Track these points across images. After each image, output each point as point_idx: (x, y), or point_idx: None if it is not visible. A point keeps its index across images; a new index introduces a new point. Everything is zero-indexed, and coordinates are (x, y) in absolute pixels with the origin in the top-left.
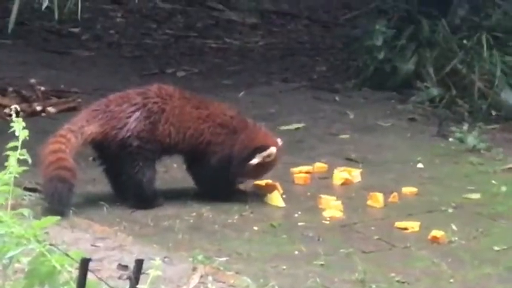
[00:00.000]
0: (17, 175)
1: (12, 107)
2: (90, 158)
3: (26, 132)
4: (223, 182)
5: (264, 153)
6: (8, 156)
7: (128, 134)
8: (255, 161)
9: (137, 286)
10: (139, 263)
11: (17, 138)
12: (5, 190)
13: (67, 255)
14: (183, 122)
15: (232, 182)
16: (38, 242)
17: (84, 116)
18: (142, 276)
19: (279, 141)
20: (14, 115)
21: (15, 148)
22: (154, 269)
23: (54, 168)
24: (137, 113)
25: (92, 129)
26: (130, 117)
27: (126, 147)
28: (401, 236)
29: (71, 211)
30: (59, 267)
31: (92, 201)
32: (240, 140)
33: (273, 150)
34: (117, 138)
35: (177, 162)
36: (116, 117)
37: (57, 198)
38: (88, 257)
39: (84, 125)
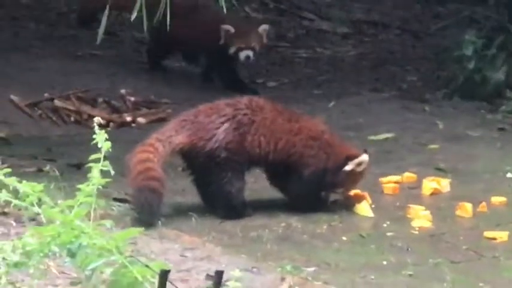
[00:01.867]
0: (100, 186)
1: (95, 119)
2: (180, 168)
3: (108, 144)
4: (315, 194)
5: (357, 160)
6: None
7: (216, 145)
8: (348, 167)
9: None
10: (219, 274)
11: (100, 150)
12: (88, 201)
13: (147, 266)
14: (275, 133)
15: (325, 193)
16: (120, 253)
17: (173, 126)
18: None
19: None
20: (96, 127)
21: (98, 160)
22: (234, 280)
23: (143, 179)
24: (226, 124)
25: (180, 139)
26: (219, 128)
27: (214, 158)
28: (490, 246)
29: (159, 221)
30: (140, 279)
31: (180, 212)
32: (333, 153)
33: (365, 157)
34: (205, 149)
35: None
36: (205, 128)
37: (146, 209)
38: (171, 268)
39: (173, 134)
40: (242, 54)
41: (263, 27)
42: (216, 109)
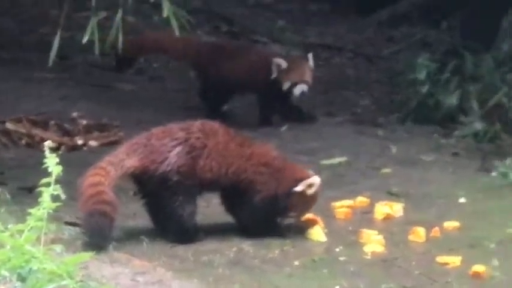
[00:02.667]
0: (51, 210)
1: (46, 142)
2: (131, 192)
3: (59, 168)
4: (265, 219)
5: (307, 181)
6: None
7: (169, 169)
8: (298, 188)
9: None
10: None
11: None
12: (39, 226)
13: None
14: (226, 158)
15: (277, 219)
16: (71, 278)
17: (125, 149)
18: None
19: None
20: (47, 151)
21: (48, 184)
22: None
23: (94, 202)
24: (179, 148)
25: (132, 162)
26: (171, 151)
27: (166, 181)
28: (443, 271)
29: (111, 245)
30: None
31: (132, 236)
32: (284, 179)
33: (315, 179)
34: (157, 172)
35: (218, 197)
36: (157, 151)
37: (97, 233)
38: None
39: (125, 158)
40: (297, 89)
41: (311, 59)
42: (168, 132)
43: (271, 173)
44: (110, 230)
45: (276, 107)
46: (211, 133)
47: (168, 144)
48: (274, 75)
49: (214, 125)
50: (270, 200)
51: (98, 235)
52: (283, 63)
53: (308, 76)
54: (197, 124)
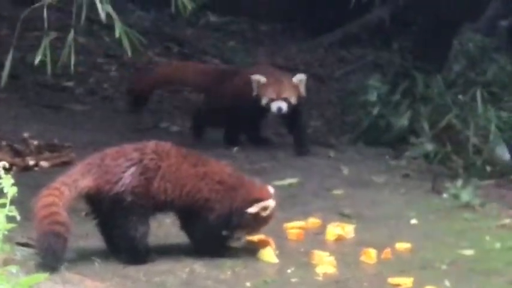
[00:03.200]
0: (5, 231)
1: (0, 163)
2: (83, 213)
3: (14, 189)
4: (219, 239)
5: (262, 204)
6: None
7: (123, 189)
8: (252, 209)
9: None
10: None
11: (5, 194)
12: None
13: None
14: (180, 179)
15: (229, 238)
16: None
17: (79, 169)
18: None
19: (272, 191)
20: (2, 171)
21: (3, 205)
22: None
23: (48, 223)
24: (133, 168)
25: (85, 182)
26: (125, 172)
27: (120, 202)
28: None
29: (63, 266)
30: None
31: (84, 256)
32: (239, 196)
33: (270, 203)
34: (111, 193)
35: (170, 217)
36: (111, 172)
37: (50, 254)
38: None
39: (78, 178)
40: (274, 105)
41: (298, 77)
42: (122, 153)
43: (226, 190)
44: (63, 251)
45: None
46: (165, 154)
47: (122, 164)
48: (254, 92)
49: (167, 145)
50: (225, 218)
51: (51, 256)
52: (262, 79)
53: (288, 93)
54: (151, 145)
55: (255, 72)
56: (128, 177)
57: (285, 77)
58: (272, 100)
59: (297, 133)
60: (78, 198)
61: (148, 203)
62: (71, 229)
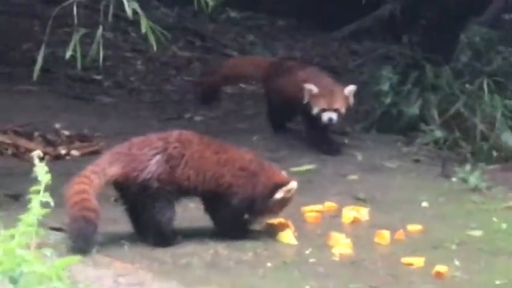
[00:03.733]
0: (40, 217)
1: (35, 153)
2: (112, 199)
3: (48, 177)
4: (241, 222)
5: (286, 188)
6: (31, 199)
7: (149, 176)
8: (278, 195)
9: None
10: None
11: (40, 182)
12: (29, 231)
13: None
14: (203, 166)
15: (251, 221)
16: (60, 279)
17: (107, 158)
18: None
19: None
20: (36, 160)
21: (38, 191)
22: None
23: (78, 209)
24: (158, 157)
25: (114, 170)
26: (151, 160)
27: (146, 188)
28: (407, 271)
29: (94, 249)
30: None
31: (113, 240)
32: (261, 181)
33: (293, 184)
34: (138, 180)
35: (195, 202)
36: (138, 160)
37: (81, 238)
38: None
39: (107, 166)
40: (325, 116)
41: (349, 89)
42: (148, 142)
43: (247, 176)
44: (93, 235)
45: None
46: (188, 143)
47: (147, 153)
48: (305, 100)
49: (190, 134)
50: (247, 202)
51: (82, 240)
52: (315, 89)
53: (339, 104)
54: (174, 134)
55: (306, 76)
56: (153, 165)
57: (336, 87)
58: (324, 110)
59: (324, 137)
60: (107, 185)
61: (173, 189)
62: (100, 215)
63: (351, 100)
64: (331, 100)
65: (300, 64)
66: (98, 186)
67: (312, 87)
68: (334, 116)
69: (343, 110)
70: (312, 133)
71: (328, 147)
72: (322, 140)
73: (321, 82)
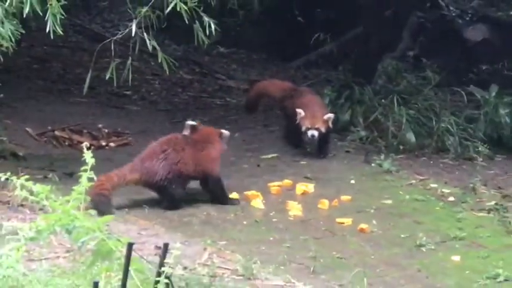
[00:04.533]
0: (87, 188)
1: (84, 144)
2: None
3: (93, 160)
4: (223, 191)
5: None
6: (81, 176)
7: (160, 178)
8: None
9: (164, 260)
10: (166, 245)
11: (87, 164)
12: (79, 198)
13: (119, 240)
14: (192, 159)
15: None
16: (100, 231)
17: (129, 167)
18: (169, 254)
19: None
20: (85, 149)
21: (86, 170)
22: (176, 249)
23: (96, 191)
24: (163, 163)
25: (133, 176)
26: (159, 166)
27: (161, 186)
28: (340, 228)
29: (125, 211)
30: (114, 249)
31: (138, 205)
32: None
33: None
34: (153, 182)
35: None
36: (151, 169)
37: (100, 207)
38: (133, 242)
39: (127, 173)
40: (309, 133)
41: (328, 116)
42: (154, 154)
43: (218, 162)
44: (108, 205)
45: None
46: (180, 146)
47: (155, 163)
48: (297, 121)
49: (179, 137)
50: (219, 177)
51: (101, 208)
52: (302, 113)
53: (319, 124)
54: (166, 141)
55: (302, 98)
56: (161, 170)
57: (319, 111)
58: (308, 129)
59: (322, 148)
60: (128, 184)
61: (179, 178)
62: (111, 194)
63: (330, 124)
64: (314, 121)
65: (308, 90)
66: (117, 184)
67: (300, 111)
68: (315, 133)
69: (323, 130)
70: (291, 135)
71: (294, 143)
72: (294, 140)
73: (310, 107)
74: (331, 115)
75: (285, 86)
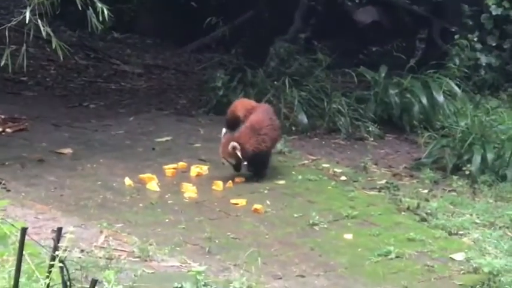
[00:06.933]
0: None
1: None
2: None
3: None
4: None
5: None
6: None
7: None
8: None
9: (58, 244)
10: (59, 229)
11: None
12: None
13: (13, 225)
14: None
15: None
16: None
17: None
18: (64, 238)
19: None
20: None
21: None
22: (69, 233)
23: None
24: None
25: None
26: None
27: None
28: (234, 209)
29: (21, 196)
30: (8, 233)
31: (35, 189)
32: None
33: None
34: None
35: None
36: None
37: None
38: (28, 226)
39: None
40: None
41: (232, 145)
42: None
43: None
44: None
45: None
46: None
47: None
48: None
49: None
50: None
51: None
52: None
53: (226, 156)
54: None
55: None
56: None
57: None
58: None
59: (254, 170)
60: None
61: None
62: None
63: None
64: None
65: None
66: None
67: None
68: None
69: (232, 162)
70: None
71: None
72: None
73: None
74: (234, 144)
75: (247, 104)
